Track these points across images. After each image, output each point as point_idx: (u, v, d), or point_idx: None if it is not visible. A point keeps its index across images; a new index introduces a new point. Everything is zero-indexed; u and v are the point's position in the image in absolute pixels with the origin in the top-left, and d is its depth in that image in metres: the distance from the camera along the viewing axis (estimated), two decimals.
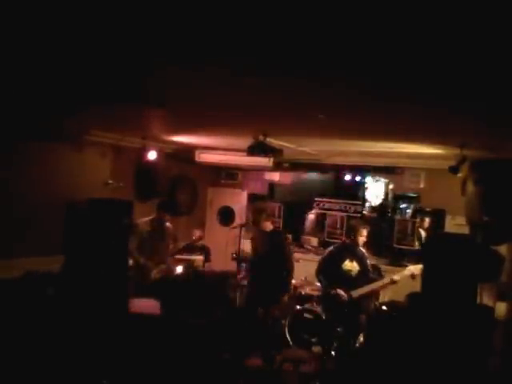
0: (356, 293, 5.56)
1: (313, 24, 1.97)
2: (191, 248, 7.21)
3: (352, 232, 5.85)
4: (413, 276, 5.47)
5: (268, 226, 6.05)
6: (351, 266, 5.69)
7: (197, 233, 7.58)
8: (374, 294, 5.79)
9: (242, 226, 6.57)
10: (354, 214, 8.67)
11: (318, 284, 6.22)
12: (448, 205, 7.30)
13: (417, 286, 5.30)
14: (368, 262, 5.80)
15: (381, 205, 8.90)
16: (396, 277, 5.54)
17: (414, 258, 7.59)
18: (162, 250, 6.31)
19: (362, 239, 5.75)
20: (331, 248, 6.09)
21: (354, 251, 5.74)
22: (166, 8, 1.91)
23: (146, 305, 5.24)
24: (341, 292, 5.58)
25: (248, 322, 5.92)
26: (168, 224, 6.47)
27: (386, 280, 5.67)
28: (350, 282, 5.63)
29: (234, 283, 6.74)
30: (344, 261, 5.69)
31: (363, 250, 5.81)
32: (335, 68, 2.66)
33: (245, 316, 6.06)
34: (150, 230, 6.29)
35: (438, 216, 7.58)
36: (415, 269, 5.42)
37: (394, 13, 1.79)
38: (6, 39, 2.52)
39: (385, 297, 6.24)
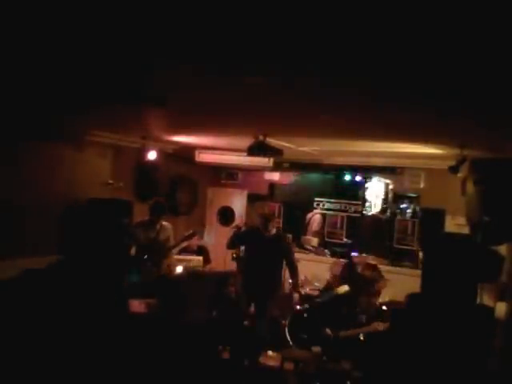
0: (345, 333, 5.27)
1: (313, 25, 1.97)
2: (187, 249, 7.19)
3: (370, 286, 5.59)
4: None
5: (272, 231, 6.10)
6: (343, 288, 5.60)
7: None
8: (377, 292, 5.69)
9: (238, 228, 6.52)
10: (354, 214, 8.68)
11: (317, 284, 6.21)
12: (448, 205, 7.30)
13: (417, 287, 5.30)
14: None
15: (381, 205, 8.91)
16: (380, 328, 5.36)
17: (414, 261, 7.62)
18: (157, 250, 6.30)
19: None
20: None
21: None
22: (165, 7, 1.91)
23: (132, 304, 5.25)
24: (327, 331, 5.33)
25: (239, 320, 5.99)
26: (165, 224, 6.46)
27: (373, 327, 5.45)
28: (342, 318, 5.43)
29: (233, 283, 6.74)
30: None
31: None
32: (335, 68, 2.66)
33: (238, 314, 6.12)
34: (144, 230, 6.30)
35: (437, 216, 7.56)
36: (379, 325, 5.28)
37: (394, 13, 1.79)
38: (7, 39, 2.52)
39: (385, 297, 6.24)
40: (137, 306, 5.26)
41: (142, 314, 5.16)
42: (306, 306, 6.22)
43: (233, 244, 6.38)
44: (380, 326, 5.07)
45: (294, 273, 6.15)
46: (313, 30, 2.05)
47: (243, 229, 6.45)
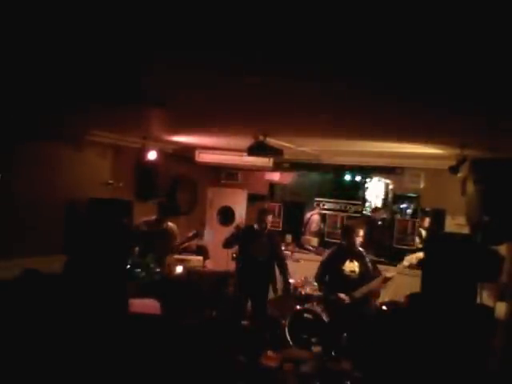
0: (358, 293, 5.45)
1: (314, 24, 1.97)
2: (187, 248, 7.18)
3: (347, 233, 5.76)
4: (411, 266, 5.43)
5: (268, 226, 6.15)
6: (352, 266, 5.60)
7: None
8: (375, 294, 5.73)
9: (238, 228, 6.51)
10: (354, 214, 8.68)
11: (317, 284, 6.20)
12: (448, 205, 7.30)
13: (417, 286, 5.30)
14: (368, 260, 5.72)
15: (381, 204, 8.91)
16: (389, 274, 5.48)
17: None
18: (161, 250, 6.30)
19: (358, 239, 5.65)
20: (329, 251, 6.03)
21: (353, 251, 5.66)
22: (165, 5, 1.91)
23: (146, 305, 5.23)
24: (342, 296, 5.48)
25: (239, 320, 5.98)
26: (170, 224, 6.47)
27: (381, 278, 5.59)
28: (351, 283, 5.53)
29: (233, 283, 6.74)
30: (344, 262, 5.61)
31: (361, 249, 5.73)
32: (335, 68, 2.66)
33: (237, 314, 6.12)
34: (148, 229, 6.30)
35: (438, 216, 7.57)
36: (412, 258, 5.37)
37: (396, 12, 1.79)
38: (6, 39, 2.52)
39: (385, 297, 6.24)
40: (150, 306, 5.22)
41: (156, 316, 5.13)
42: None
43: (229, 244, 6.41)
44: (388, 273, 5.25)
45: (282, 266, 6.17)
46: (313, 30, 2.05)
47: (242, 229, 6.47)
